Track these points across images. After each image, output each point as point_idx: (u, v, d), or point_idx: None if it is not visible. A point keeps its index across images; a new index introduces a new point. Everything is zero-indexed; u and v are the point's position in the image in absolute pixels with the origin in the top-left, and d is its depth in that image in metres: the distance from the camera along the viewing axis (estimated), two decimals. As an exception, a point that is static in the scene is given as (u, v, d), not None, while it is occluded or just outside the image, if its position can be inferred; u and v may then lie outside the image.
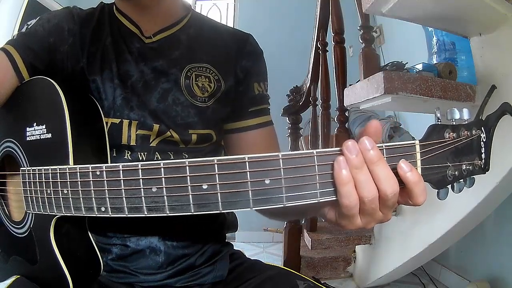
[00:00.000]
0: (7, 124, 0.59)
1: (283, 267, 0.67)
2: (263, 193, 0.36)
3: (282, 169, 0.36)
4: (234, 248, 0.73)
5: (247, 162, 0.36)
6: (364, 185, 0.36)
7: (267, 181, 0.36)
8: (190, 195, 0.37)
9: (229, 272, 0.67)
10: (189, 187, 0.37)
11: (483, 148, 0.40)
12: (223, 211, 0.37)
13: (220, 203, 0.37)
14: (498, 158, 1.04)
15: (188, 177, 0.37)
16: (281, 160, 0.36)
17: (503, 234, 1.57)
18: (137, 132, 0.59)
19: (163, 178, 0.38)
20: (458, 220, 1.21)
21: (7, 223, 0.59)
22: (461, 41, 1.37)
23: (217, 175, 0.36)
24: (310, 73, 2.01)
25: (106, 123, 0.58)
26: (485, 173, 0.40)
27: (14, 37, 0.61)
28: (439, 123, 0.39)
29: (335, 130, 1.63)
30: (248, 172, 0.36)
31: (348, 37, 1.64)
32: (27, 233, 0.54)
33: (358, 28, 1.39)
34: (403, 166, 0.36)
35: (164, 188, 0.38)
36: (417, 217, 1.44)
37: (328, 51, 1.84)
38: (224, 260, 0.68)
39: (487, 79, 1.07)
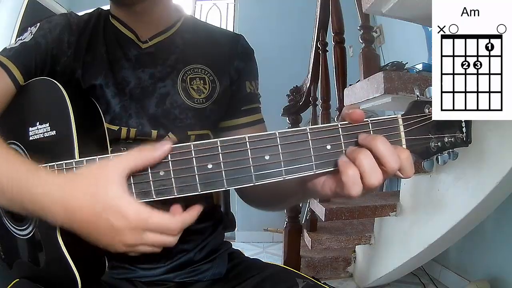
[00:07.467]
0: (9, 126, 0.59)
1: (282, 265, 0.67)
2: (264, 168, 0.40)
3: (279, 145, 0.40)
4: (234, 247, 0.74)
5: (247, 142, 0.40)
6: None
7: (266, 157, 0.40)
8: (196, 175, 0.40)
9: (229, 270, 0.68)
10: (195, 167, 0.40)
11: (463, 122, 0.42)
12: (228, 188, 0.40)
13: (224, 180, 0.40)
14: (498, 158, 1.05)
15: (194, 158, 0.40)
16: (278, 137, 0.40)
17: (503, 234, 1.57)
18: (136, 138, 0.60)
19: (169, 162, 0.40)
20: (458, 220, 1.21)
21: (9, 225, 0.58)
22: (461, 41, 1.37)
23: (220, 154, 0.40)
24: (310, 73, 2.00)
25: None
26: (467, 145, 0.42)
27: (14, 47, 0.59)
28: (419, 99, 0.42)
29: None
30: (249, 150, 0.40)
31: (348, 37, 1.64)
32: (31, 233, 0.54)
33: (358, 28, 1.39)
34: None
35: (172, 171, 0.40)
36: (417, 217, 1.44)
37: (328, 51, 1.84)
38: (222, 258, 0.68)
39: (487, 79, 1.07)
